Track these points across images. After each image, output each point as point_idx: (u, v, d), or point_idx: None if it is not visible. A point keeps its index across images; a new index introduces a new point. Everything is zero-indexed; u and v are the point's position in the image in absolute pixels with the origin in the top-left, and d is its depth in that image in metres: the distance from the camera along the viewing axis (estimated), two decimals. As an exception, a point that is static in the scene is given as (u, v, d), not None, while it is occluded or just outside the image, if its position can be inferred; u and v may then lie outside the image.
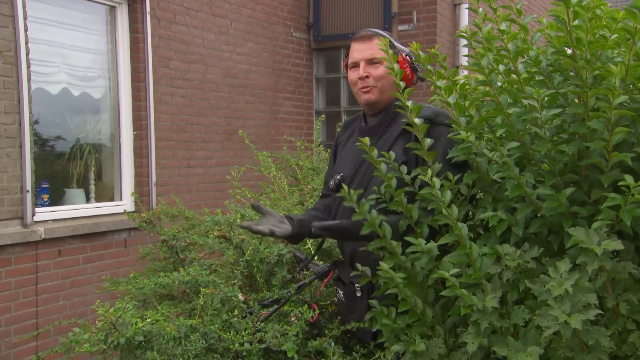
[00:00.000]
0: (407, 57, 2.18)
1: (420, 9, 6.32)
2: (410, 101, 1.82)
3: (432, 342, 1.76)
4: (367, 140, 1.80)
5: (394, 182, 1.83)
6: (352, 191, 1.78)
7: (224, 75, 5.68)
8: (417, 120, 1.81)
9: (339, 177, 2.20)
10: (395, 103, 1.90)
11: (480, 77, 1.85)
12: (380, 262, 1.77)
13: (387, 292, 1.83)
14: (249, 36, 5.95)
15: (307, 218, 2.20)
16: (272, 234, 2.00)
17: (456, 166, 1.92)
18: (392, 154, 1.86)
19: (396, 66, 1.84)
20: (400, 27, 6.35)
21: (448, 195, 1.73)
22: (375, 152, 1.82)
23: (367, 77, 2.14)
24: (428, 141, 1.85)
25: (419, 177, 1.79)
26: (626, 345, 1.61)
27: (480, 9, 1.88)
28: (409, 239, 1.79)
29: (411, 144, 1.89)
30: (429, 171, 1.74)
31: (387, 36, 2.17)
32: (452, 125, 1.89)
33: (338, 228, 2.06)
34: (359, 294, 2.13)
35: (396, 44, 2.18)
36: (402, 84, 1.84)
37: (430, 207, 1.80)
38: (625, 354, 1.61)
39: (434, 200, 1.76)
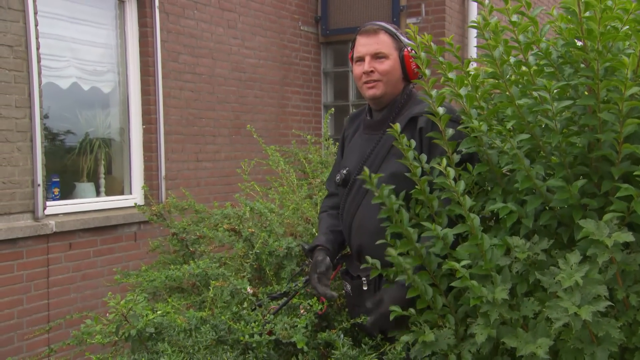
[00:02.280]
0: (413, 51, 2.17)
1: (428, 2, 6.29)
2: (435, 90, 1.82)
3: (442, 332, 1.76)
4: (397, 126, 1.81)
5: (419, 171, 1.84)
6: (372, 175, 1.81)
7: (233, 69, 5.68)
8: (439, 109, 1.83)
9: (344, 171, 2.21)
10: (409, 93, 1.90)
11: (490, 69, 1.85)
12: (388, 248, 1.79)
13: (396, 279, 1.85)
14: (257, 30, 5.95)
15: (334, 238, 2.25)
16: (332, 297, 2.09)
17: (461, 161, 1.93)
18: (413, 141, 1.87)
19: (423, 54, 1.83)
20: (409, 20, 6.33)
21: (462, 185, 1.73)
22: (405, 140, 1.83)
23: (372, 71, 2.13)
24: (450, 131, 1.85)
25: (435, 167, 1.80)
26: (636, 336, 1.61)
27: (487, 1, 1.88)
28: (425, 223, 1.81)
29: (432, 134, 1.89)
30: (444, 160, 1.75)
31: (393, 29, 2.16)
32: (462, 117, 1.89)
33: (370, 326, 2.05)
34: (365, 288, 2.14)
35: (402, 37, 2.17)
36: (428, 72, 1.84)
37: (444, 197, 1.82)
38: (635, 345, 1.61)
39: (449, 190, 1.77)
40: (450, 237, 1.78)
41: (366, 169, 1.84)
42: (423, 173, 1.91)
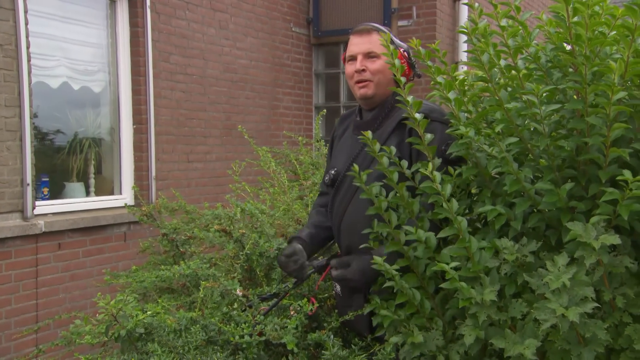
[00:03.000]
0: (405, 53, 2.18)
1: (419, 5, 6.32)
2: (411, 96, 1.83)
3: (430, 334, 1.77)
4: (369, 133, 1.81)
5: (395, 176, 1.85)
6: (362, 172, 1.82)
7: (224, 70, 5.68)
8: (417, 115, 1.83)
9: (333, 171, 2.22)
10: (396, 98, 1.92)
11: (480, 73, 1.86)
12: (374, 256, 1.79)
13: (384, 286, 1.85)
14: (248, 31, 5.95)
15: (315, 232, 2.28)
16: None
17: (451, 162, 1.93)
18: (393, 148, 1.87)
19: (397, 61, 1.85)
20: (400, 23, 6.36)
21: (448, 189, 1.74)
22: (377, 146, 1.83)
23: (363, 70, 2.14)
24: (428, 136, 1.86)
25: (420, 171, 1.80)
26: (622, 338, 1.63)
27: (477, 4, 1.89)
28: (407, 227, 1.82)
29: (411, 139, 1.90)
30: (430, 165, 1.76)
31: (387, 31, 2.18)
32: (451, 121, 1.90)
33: (346, 279, 2.06)
34: (354, 288, 2.15)
35: (395, 39, 2.18)
36: (403, 79, 1.85)
37: (430, 201, 1.82)
38: (621, 346, 1.63)
39: (434, 194, 1.78)
40: (432, 240, 1.79)
41: (355, 166, 1.85)
42: (405, 177, 1.92)
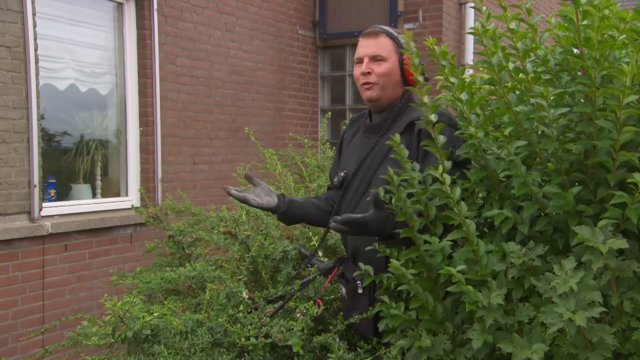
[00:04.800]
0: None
1: (426, 8, 6.32)
2: (427, 97, 1.81)
3: (438, 338, 1.77)
4: (397, 137, 1.79)
5: (416, 182, 1.82)
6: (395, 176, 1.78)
7: (230, 72, 5.69)
8: (432, 117, 1.81)
9: (342, 174, 2.22)
10: (408, 97, 1.88)
11: (487, 76, 1.86)
12: (391, 260, 1.78)
13: (398, 289, 1.84)
14: (255, 34, 5.96)
15: (302, 201, 2.26)
16: (245, 200, 2.09)
17: (459, 165, 1.93)
18: (406, 151, 1.86)
19: (417, 60, 1.83)
20: (406, 26, 6.36)
21: (458, 192, 1.74)
22: (405, 151, 1.80)
23: (369, 73, 2.14)
24: (441, 139, 1.84)
25: (430, 174, 1.79)
26: (630, 342, 1.62)
27: (484, 8, 1.89)
28: (424, 237, 1.80)
29: (425, 142, 1.89)
30: (440, 168, 1.75)
31: (395, 33, 2.18)
32: (460, 122, 1.90)
33: (360, 222, 1.88)
34: (360, 291, 2.15)
35: (403, 42, 2.18)
36: (421, 79, 1.83)
37: (439, 203, 1.81)
38: (629, 351, 1.62)
39: (444, 197, 1.77)
40: (447, 248, 1.78)
41: (390, 170, 1.79)
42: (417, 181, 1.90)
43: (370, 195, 1.86)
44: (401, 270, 1.75)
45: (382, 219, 1.85)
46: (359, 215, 1.86)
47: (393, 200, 1.81)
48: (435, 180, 1.79)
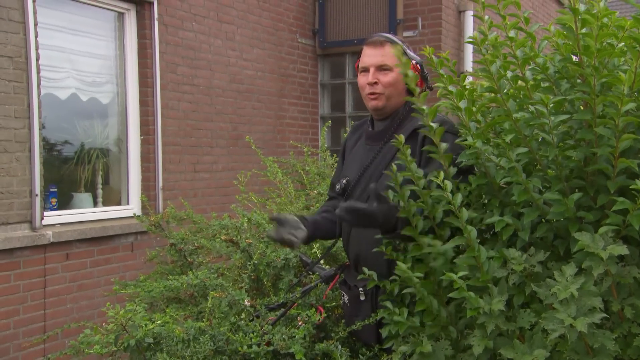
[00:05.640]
0: (418, 65, 2.19)
1: (425, 16, 6.35)
2: (426, 105, 1.82)
3: (440, 343, 1.77)
4: (402, 137, 1.79)
5: (422, 183, 1.83)
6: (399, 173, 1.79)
7: (230, 80, 5.72)
8: (432, 124, 1.82)
9: (344, 180, 2.23)
10: (412, 106, 1.89)
11: (487, 84, 1.87)
12: (397, 262, 1.78)
13: (403, 292, 1.85)
14: (255, 42, 5.99)
15: (321, 220, 2.24)
16: (291, 245, 2.07)
17: (462, 172, 1.94)
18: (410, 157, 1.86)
19: (410, 71, 1.84)
20: (406, 34, 6.39)
21: (459, 198, 1.74)
22: (408, 152, 1.82)
23: (375, 83, 2.15)
24: (444, 145, 1.85)
25: (432, 179, 1.80)
26: (631, 348, 1.62)
27: (486, 17, 1.90)
28: (427, 239, 1.80)
29: (427, 147, 1.89)
30: (441, 173, 1.76)
31: (400, 43, 2.18)
32: (460, 130, 1.91)
33: (366, 213, 1.86)
34: (362, 298, 2.15)
35: (408, 51, 2.19)
36: (417, 89, 1.84)
37: (445, 208, 1.82)
38: (630, 357, 1.63)
39: (445, 203, 1.78)
40: (450, 252, 1.79)
41: (394, 166, 1.80)
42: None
43: (370, 189, 1.86)
44: (408, 273, 1.75)
45: (386, 210, 1.84)
46: (363, 205, 1.84)
47: (396, 197, 1.82)
48: (437, 186, 1.80)
